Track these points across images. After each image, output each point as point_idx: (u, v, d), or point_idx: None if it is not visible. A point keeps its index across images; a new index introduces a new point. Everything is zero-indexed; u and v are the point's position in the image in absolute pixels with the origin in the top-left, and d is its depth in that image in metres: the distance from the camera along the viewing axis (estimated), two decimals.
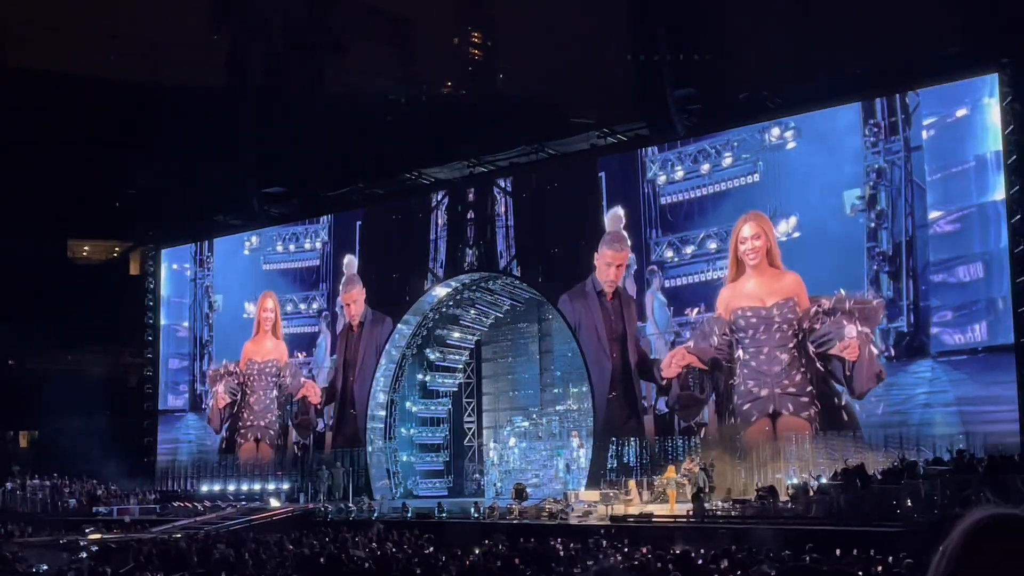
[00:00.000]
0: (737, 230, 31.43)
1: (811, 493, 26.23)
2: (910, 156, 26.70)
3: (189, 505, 39.52)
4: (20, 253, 54.03)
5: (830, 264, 28.33)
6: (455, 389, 42.58)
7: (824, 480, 26.68)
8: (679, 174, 32.29)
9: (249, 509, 37.24)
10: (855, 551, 19.17)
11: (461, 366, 42.49)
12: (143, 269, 52.17)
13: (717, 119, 32.80)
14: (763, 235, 30.77)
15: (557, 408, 39.38)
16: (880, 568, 16.13)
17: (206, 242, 41.06)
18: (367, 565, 19.87)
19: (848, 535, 21.60)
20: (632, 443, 33.16)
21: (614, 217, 33.93)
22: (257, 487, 40.93)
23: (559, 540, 24.32)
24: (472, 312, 41.15)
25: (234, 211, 45.27)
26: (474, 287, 39.83)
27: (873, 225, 27.42)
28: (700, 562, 18.45)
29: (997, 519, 2.08)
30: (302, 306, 40.41)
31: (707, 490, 28.49)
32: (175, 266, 42.29)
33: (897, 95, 27.20)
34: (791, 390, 29.85)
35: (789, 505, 26.25)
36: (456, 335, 41.60)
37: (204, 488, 42.68)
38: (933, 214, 26.50)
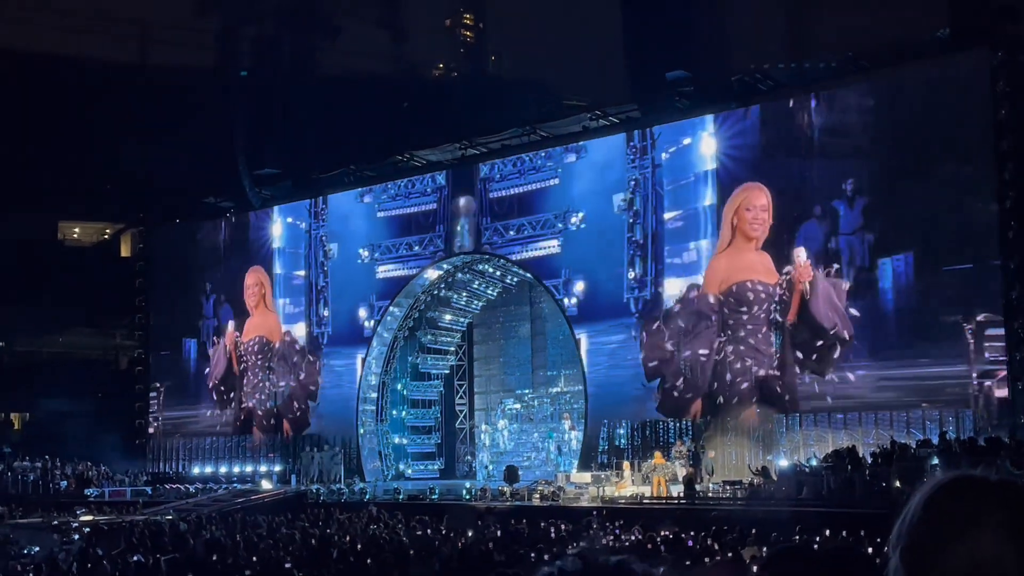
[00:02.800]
0: (741, 199, 31.43)
1: (801, 474, 26.34)
2: (655, 171, 33.92)
3: (181, 487, 39.58)
4: (10, 236, 53.96)
5: (602, 249, 34.89)
6: (447, 371, 42.62)
7: (815, 462, 26.78)
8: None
9: (241, 491, 37.29)
10: (844, 532, 19.28)
11: (453, 348, 42.52)
12: (133, 251, 52.12)
13: (710, 100, 32.78)
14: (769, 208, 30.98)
15: (549, 390, 39.43)
16: (871, 549, 16.21)
17: (320, 197, 41.29)
18: (359, 547, 19.92)
19: (837, 516, 21.68)
20: (624, 425, 33.25)
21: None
22: (249, 469, 40.97)
23: (550, 522, 24.39)
24: (464, 295, 41.17)
25: (225, 193, 45.19)
26: (465, 269, 39.84)
27: (631, 221, 34.33)
28: (691, 544, 18.53)
29: (956, 480, 2.10)
30: (417, 248, 39.54)
31: (703, 474, 28.64)
32: (290, 220, 42.47)
33: (648, 129, 34.19)
34: (777, 372, 30.04)
35: (783, 488, 26.33)
36: (448, 317, 41.62)
37: (196, 470, 42.70)
38: (668, 214, 33.42)
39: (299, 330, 41.95)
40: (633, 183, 34.29)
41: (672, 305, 32.72)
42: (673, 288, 32.98)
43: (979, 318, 26.82)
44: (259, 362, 43.11)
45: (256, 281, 43.60)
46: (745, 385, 30.73)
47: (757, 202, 31.23)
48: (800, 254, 30.09)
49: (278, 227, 43.33)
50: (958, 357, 27.04)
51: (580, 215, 35.64)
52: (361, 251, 40.71)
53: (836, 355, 29.08)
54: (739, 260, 31.50)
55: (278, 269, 43.14)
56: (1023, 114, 26.88)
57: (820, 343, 29.34)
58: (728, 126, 32.16)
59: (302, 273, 42.33)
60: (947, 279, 27.45)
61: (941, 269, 27.62)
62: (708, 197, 32.65)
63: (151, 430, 46.05)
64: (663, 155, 33.80)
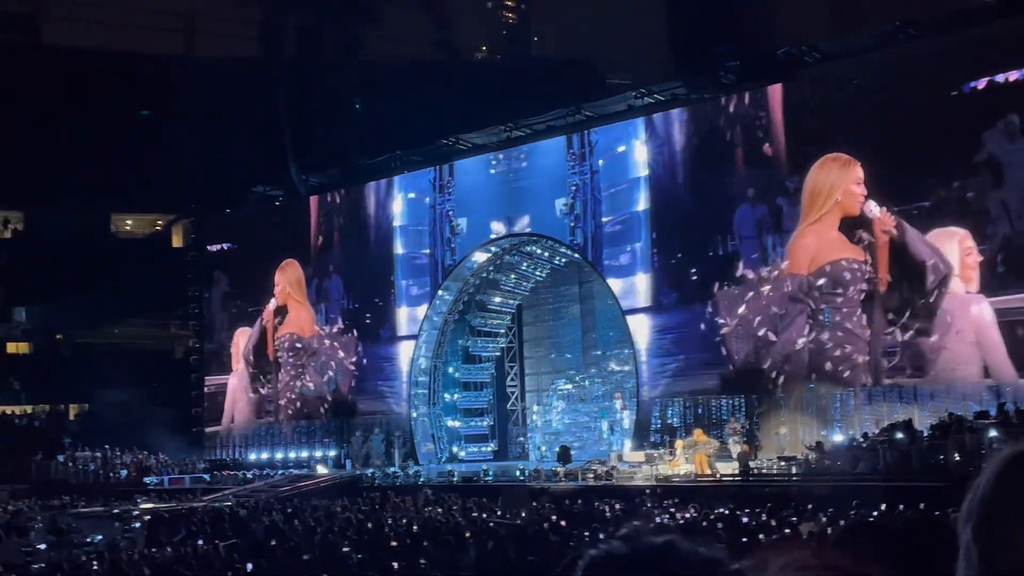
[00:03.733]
0: (851, 173, 29.64)
1: (857, 449, 26.14)
2: (593, 177, 35.67)
3: (238, 473, 40.06)
4: (64, 229, 54.77)
5: None
6: (497, 354, 42.71)
7: (870, 436, 26.56)
8: None
9: (297, 476, 37.68)
10: (900, 507, 19.12)
11: (503, 331, 42.59)
12: (185, 241, 52.66)
13: (755, 76, 32.50)
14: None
15: (600, 370, 39.41)
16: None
17: (446, 166, 39.80)
18: (414, 529, 20.09)
19: (895, 490, 21.51)
20: (676, 403, 33.15)
21: None
22: (304, 454, 41.37)
23: (604, 501, 24.43)
24: (513, 276, 41.19)
25: (273, 181, 45.53)
26: (513, 251, 39.86)
27: (572, 224, 36.24)
28: (745, 520, 18.49)
29: None
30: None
31: (750, 449, 28.52)
32: (411, 195, 40.86)
33: (585, 132, 36.00)
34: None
35: (838, 463, 26.15)
36: (497, 300, 41.66)
37: (252, 456, 43.20)
38: (606, 218, 35.32)
39: (421, 312, 40.44)
40: (574, 188, 35.95)
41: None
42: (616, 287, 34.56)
43: None
44: (290, 359, 43.45)
45: (282, 279, 43.77)
46: (847, 373, 29.31)
47: (860, 176, 29.44)
48: (872, 207, 28.75)
49: (398, 203, 41.40)
50: None
51: (525, 219, 37.53)
52: (494, 224, 38.94)
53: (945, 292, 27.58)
54: (827, 238, 29.91)
55: (399, 249, 41.20)
56: None
57: (929, 281, 27.68)
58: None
59: (427, 252, 40.57)
60: None
61: None
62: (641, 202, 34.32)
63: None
64: (600, 161, 35.41)
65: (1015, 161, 26.76)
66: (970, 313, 27.16)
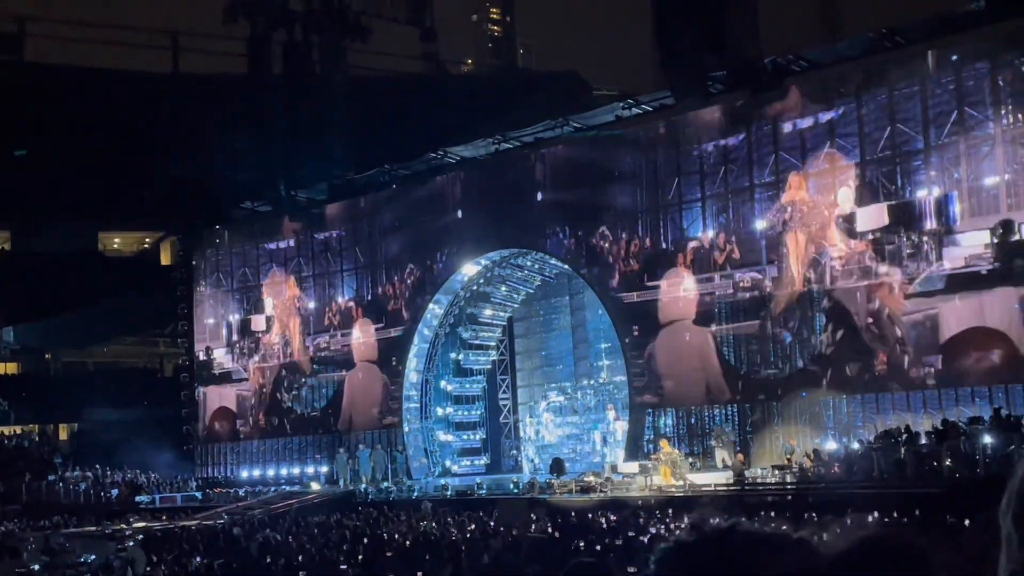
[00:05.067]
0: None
1: (851, 456, 26.15)
2: None
3: (231, 491, 39.89)
4: (52, 248, 54.59)
5: None
6: (489, 367, 42.64)
7: (864, 443, 26.58)
8: None
9: (290, 493, 37.55)
10: (895, 513, 19.12)
11: (494, 343, 42.52)
12: (174, 259, 52.51)
13: (742, 85, 32.54)
14: None
15: (592, 381, 39.36)
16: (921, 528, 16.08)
17: None
18: (408, 543, 20.01)
19: (889, 497, 21.52)
20: (667, 413, 33.16)
21: None
22: (297, 471, 41.23)
23: (599, 512, 24.38)
24: (503, 289, 41.16)
25: (262, 197, 45.43)
26: (504, 264, 39.84)
27: None
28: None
29: None
30: None
31: (743, 458, 28.54)
32: None
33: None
34: None
35: (835, 470, 26.16)
36: (488, 312, 41.62)
37: (244, 474, 43.03)
38: None
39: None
40: None
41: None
42: None
43: None
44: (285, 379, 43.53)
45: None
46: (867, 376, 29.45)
47: None
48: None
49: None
50: None
51: None
52: None
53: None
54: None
55: None
56: None
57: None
58: None
59: None
60: None
61: None
62: None
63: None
64: None
65: None
66: None
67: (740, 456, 28.83)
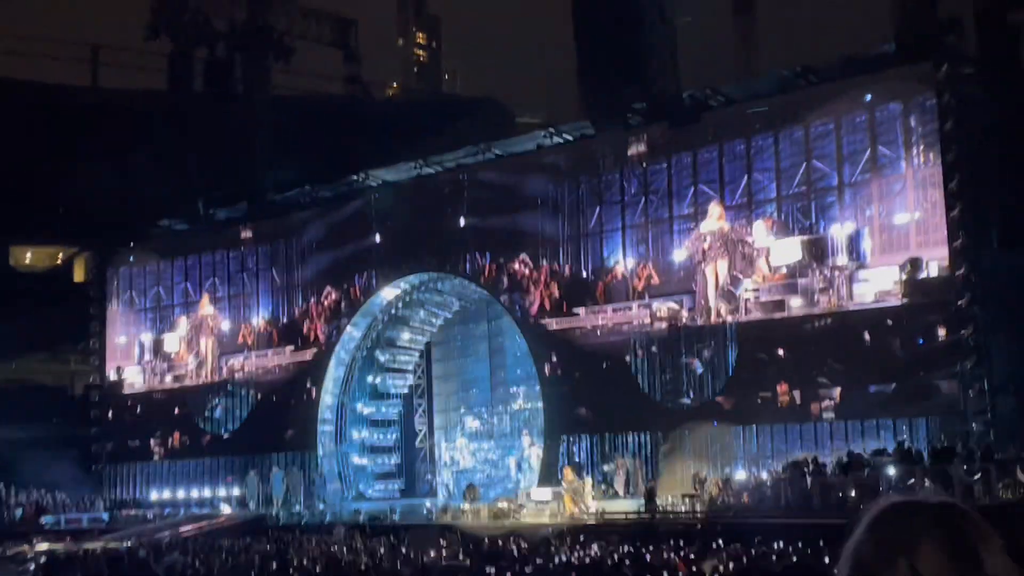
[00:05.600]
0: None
1: (760, 486, 26.56)
2: None
3: (139, 513, 39.19)
4: None
5: None
6: (406, 391, 42.53)
7: (772, 473, 27.02)
8: None
9: (199, 516, 37.00)
10: (800, 543, 19.46)
11: (412, 367, 42.44)
12: (87, 275, 51.61)
13: (661, 118, 33.04)
14: None
15: (508, 407, 39.44)
16: (828, 560, 16.41)
17: None
18: (317, 569, 19.88)
19: (795, 527, 21.88)
20: (583, 440, 33.38)
21: None
22: (208, 493, 40.64)
23: (511, 539, 24.42)
24: (422, 313, 41.13)
25: (179, 215, 44.91)
26: (423, 288, 39.84)
27: None
28: (649, 559, 18.63)
29: (896, 504, 2.22)
30: None
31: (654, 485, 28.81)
32: None
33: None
34: None
35: (744, 499, 26.54)
36: (406, 336, 41.54)
37: (153, 496, 42.30)
38: None
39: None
40: None
41: None
42: None
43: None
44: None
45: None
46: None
47: None
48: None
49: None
50: None
51: None
52: None
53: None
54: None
55: None
56: (967, 127, 27.35)
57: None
58: None
59: None
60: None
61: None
62: None
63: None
64: None
65: None
66: None
67: (653, 483, 29.13)
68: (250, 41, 44.71)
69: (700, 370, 31.14)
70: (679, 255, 31.88)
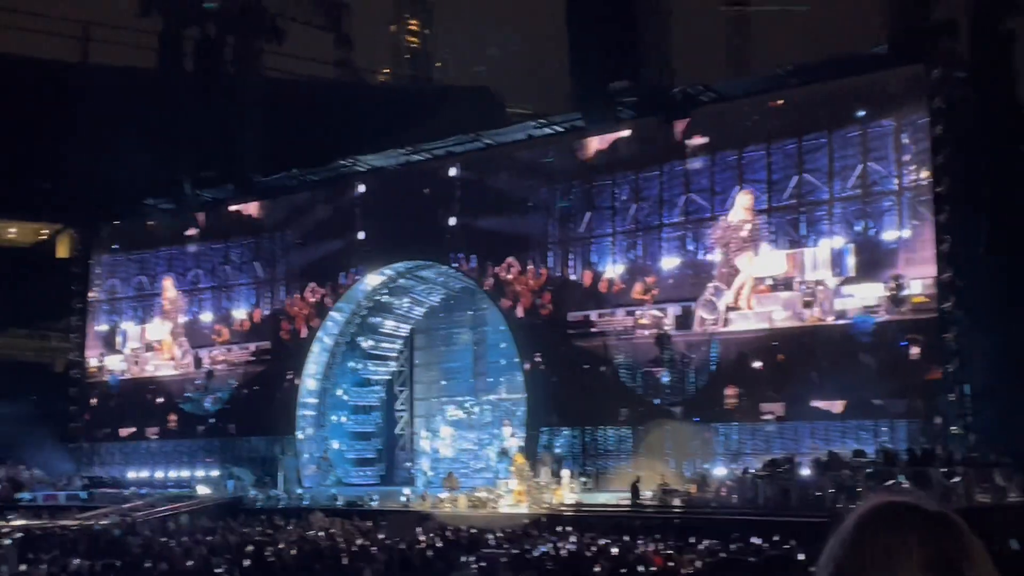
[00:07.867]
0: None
1: (740, 483, 26.61)
2: None
3: (116, 492, 39.02)
4: None
5: None
6: (388, 377, 42.46)
7: (752, 471, 27.06)
8: None
9: (176, 496, 36.88)
10: (776, 538, 19.50)
11: (394, 355, 42.37)
12: (71, 251, 51.34)
13: (652, 110, 32.98)
14: None
15: (490, 397, 39.43)
16: (802, 556, 16.45)
17: None
18: (294, 553, 19.84)
19: (773, 525, 21.92)
20: (563, 432, 33.38)
21: None
22: (186, 474, 40.51)
23: (489, 528, 24.39)
24: (406, 300, 41.05)
25: (166, 194, 44.66)
26: (408, 275, 39.75)
27: None
28: (626, 553, 18.64)
29: (884, 507, 2.16)
30: None
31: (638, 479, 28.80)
32: None
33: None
34: None
35: (722, 494, 26.59)
36: (390, 323, 41.46)
37: (131, 475, 42.14)
38: None
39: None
40: None
41: None
42: None
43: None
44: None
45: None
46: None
47: None
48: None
49: None
50: None
51: None
52: None
53: None
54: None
55: None
56: (958, 129, 27.40)
57: None
58: None
59: None
60: None
61: None
62: None
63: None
64: None
65: None
66: None
67: (636, 476, 29.15)
68: (242, 22, 44.38)
69: (666, 379, 31.26)
70: (667, 264, 31.89)
